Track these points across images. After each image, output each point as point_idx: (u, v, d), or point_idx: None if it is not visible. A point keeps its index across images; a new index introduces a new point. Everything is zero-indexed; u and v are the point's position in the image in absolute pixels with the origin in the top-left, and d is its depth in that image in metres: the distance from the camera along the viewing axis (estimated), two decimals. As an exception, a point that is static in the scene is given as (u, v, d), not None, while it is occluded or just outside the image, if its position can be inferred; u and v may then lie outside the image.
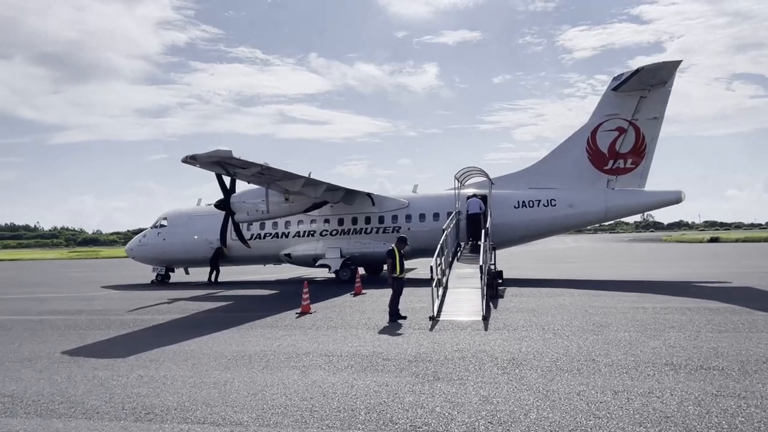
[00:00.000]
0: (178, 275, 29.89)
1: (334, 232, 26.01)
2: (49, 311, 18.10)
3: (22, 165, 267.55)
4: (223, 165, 19.71)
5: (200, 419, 6.69)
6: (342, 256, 25.14)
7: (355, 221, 25.80)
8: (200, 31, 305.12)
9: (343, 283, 23.80)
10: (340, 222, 25.98)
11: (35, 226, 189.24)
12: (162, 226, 28.69)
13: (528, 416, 6.44)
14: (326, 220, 26.17)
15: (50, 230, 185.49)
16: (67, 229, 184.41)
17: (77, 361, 10.15)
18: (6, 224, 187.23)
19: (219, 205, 24.76)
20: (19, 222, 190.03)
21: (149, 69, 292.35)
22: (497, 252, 20.68)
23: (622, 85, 22.55)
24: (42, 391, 8.10)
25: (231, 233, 25.75)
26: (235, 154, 17.64)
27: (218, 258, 27.22)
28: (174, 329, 13.84)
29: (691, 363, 8.61)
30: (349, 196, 25.12)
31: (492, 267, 18.64)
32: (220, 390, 7.91)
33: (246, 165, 19.19)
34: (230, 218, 24.58)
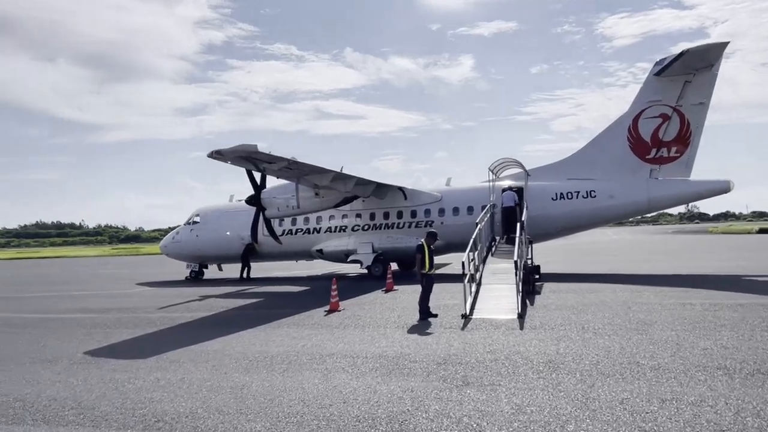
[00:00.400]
0: (211, 272, 29.93)
1: (365, 227, 25.58)
2: (79, 309, 18.14)
3: (67, 164, 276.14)
4: (252, 160, 19.46)
5: (211, 428, 6.29)
6: (374, 252, 24.72)
7: (386, 216, 25.32)
8: (237, 29, 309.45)
9: (375, 278, 23.37)
10: (372, 216, 25.53)
11: (80, 223, 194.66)
12: (195, 222, 28.74)
13: (565, 428, 5.84)
14: (358, 215, 25.76)
15: (94, 228, 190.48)
16: (111, 227, 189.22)
17: (97, 362, 9.93)
18: (52, 222, 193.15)
19: (250, 200, 24.56)
20: (65, 220, 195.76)
21: (188, 68, 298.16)
22: (534, 246, 19.91)
23: (665, 69, 21.43)
24: (56, 395, 7.84)
25: (262, 229, 25.55)
26: (261, 148, 17.35)
27: (249, 254, 27.11)
28: (200, 328, 13.60)
29: (746, 367, 7.83)
30: (381, 190, 24.64)
31: (528, 261, 17.91)
32: (236, 395, 7.51)
33: (273, 159, 18.89)
34: (261, 214, 24.39)
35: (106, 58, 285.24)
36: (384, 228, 25.26)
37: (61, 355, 10.66)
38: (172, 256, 29.71)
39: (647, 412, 6.19)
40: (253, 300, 18.89)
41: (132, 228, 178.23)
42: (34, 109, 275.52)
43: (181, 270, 30.22)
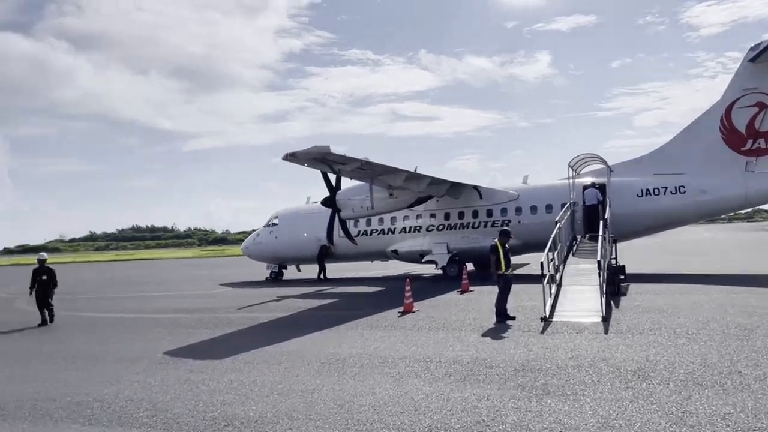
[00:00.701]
0: (291, 272, 30.45)
1: (440, 227, 25.20)
2: (165, 309, 18.84)
3: (160, 171, 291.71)
4: (326, 162, 19.57)
5: (279, 434, 6.18)
6: (449, 252, 24.30)
7: (461, 215, 24.83)
8: (315, 37, 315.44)
9: (450, 279, 22.95)
10: (447, 216, 25.12)
11: (172, 227, 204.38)
12: (274, 224, 29.31)
13: (658, 446, 5.29)
14: (432, 215, 25.42)
15: (185, 231, 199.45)
16: (200, 230, 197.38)
17: (175, 363, 10.14)
18: (147, 226, 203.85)
19: (325, 202, 24.76)
20: (158, 224, 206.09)
21: (270, 76, 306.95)
22: (618, 245, 18.87)
23: (761, 54, 19.78)
24: (133, 395, 8.01)
25: (338, 230, 25.69)
26: (333, 150, 17.38)
27: (324, 255, 27.38)
28: (276, 329, 13.72)
29: None
30: (455, 189, 24.18)
31: (612, 261, 16.97)
32: (307, 400, 7.39)
33: (346, 160, 18.91)
34: (336, 215, 24.53)
35: (195, 70, 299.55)
36: (459, 228, 24.79)
37: (142, 355, 10.99)
38: (253, 257, 30.48)
39: (755, 430, 5.53)
40: (329, 300, 18.96)
41: (219, 231, 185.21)
42: (130, 120, 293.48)
43: (262, 271, 30.93)
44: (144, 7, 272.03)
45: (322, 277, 27.32)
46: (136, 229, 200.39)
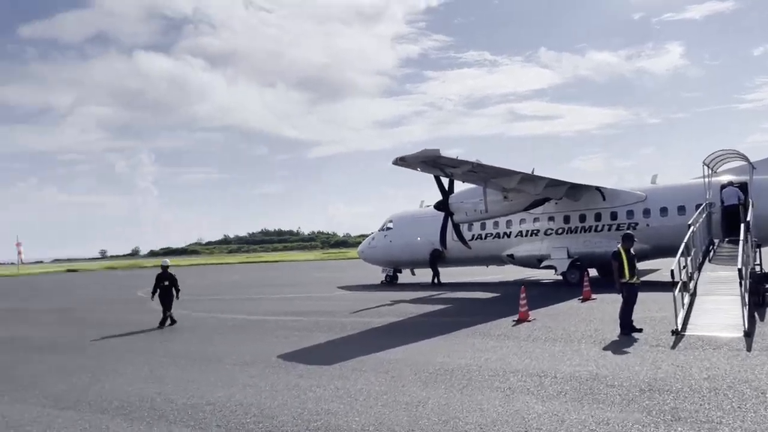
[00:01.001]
0: (406, 276, 30.50)
1: (560, 231, 24.05)
2: (283, 312, 19.49)
3: (287, 178, 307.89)
4: (437, 165, 19.34)
5: (380, 449, 5.99)
6: (569, 257, 23.11)
7: (583, 218, 23.53)
8: (432, 41, 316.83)
9: (570, 286, 21.79)
10: (566, 219, 23.92)
11: (297, 230, 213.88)
12: (388, 228, 29.52)
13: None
14: (551, 218, 24.32)
15: (309, 234, 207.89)
16: (322, 233, 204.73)
17: (287, 367, 10.32)
18: (274, 229, 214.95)
19: (438, 206, 24.52)
20: (285, 228, 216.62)
21: (387, 83, 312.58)
22: (762, 250, 16.90)
23: None
24: (243, 400, 8.20)
25: (451, 234, 25.32)
26: (443, 153, 17.08)
27: (437, 259, 27.11)
28: (386, 334, 13.67)
29: None
30: (575, 190, 22.94)
31: (756, 268, 15.19)
32: (411, 413, 7.15)
33: (456, 163, 18.55)
34: (449, 219, 24.20)
35: (317, 80, 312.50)
36: (580, 231, 23.51)
37: (257, 358, 11.32)
38: (369, 260, 30.90)
39: None
40: (441, 306, 18.67)
41: (340, 234, 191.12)
42: (258, 130, 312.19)
43: (378, 274, 31.28)
44: (271, 23, 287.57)
45: (435, 281, 27.08)
46: (265, 233, 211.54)
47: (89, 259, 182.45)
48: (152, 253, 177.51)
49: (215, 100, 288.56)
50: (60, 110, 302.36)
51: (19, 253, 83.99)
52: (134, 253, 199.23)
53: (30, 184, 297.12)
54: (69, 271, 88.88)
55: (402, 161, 17.54)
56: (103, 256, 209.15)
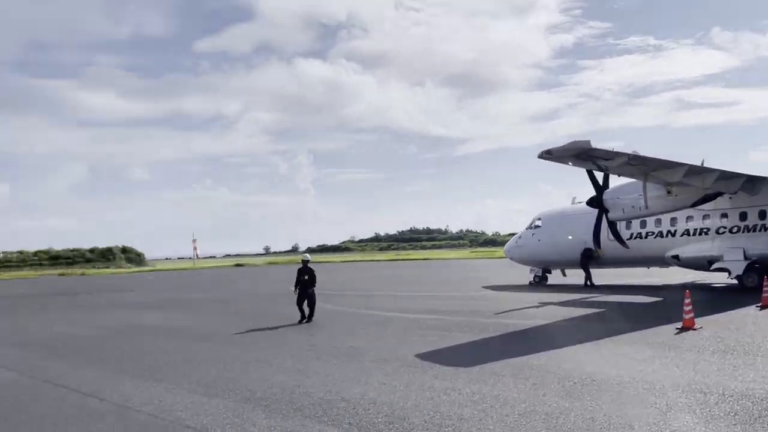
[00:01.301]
0: (556, 277, 29.08)
1: (734, 229, 21.40)
2: (425, 309, 19.40)
3: (434, 176, 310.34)
4: (590, 158, 18.01)
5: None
6: (746, 258, 20.45)
7: (763, 215, 20.73)
8: (587, 29, 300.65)
9: (747, 291, 19.28)
10: (743, 216, 21.22)
11: (445, 228, 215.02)
12: (537, 226, 28.29)
13: None
14: (723, 215, 21.72)
15: (457, 232, 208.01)
16: (471, 231, 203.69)
17: (423, 367, 10.12)
18: (423, 228, 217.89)
19: (591, 202, 22.98)
20: (433, 226, 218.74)
21: (539, 75, 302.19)
22: None
23: None
24: (376, 398, 8.11)
25: (606, 233, 23.59)
26: (594, 145, 15.82)
27: (588, 260, 25.41)
28: (531, 338, 13.01)
29: None
30: (753, 184, 20.24)
31: None
32: (549, 425, 6.58)
33: (610, 156, 17.10)
34: (604, 216, 22.55)
35: (466, 76, 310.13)
36: (760, 230, 20.74)
37: (395, 356, 11.26)
38: (515, 260, 29.88)
39: None
40: (594, 310, 17.45)
41: (489, 232, 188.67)
42: (407, 130, 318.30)
43: (526, 274, 30.17)
44: (420, 22, 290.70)
45: (588, 283, 25.42)
46: (414, 231, 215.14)
47: (255, 254, 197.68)
48: (309, 250, 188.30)
49: (367, 102, 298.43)
50: (230, 117, 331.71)
51: (195, 249, 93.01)
52: (294, 250, 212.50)
53: (204, 185, 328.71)
54: (236, 265, 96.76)
55: (548, 155, 16.55)
56: (267, 252, 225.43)
